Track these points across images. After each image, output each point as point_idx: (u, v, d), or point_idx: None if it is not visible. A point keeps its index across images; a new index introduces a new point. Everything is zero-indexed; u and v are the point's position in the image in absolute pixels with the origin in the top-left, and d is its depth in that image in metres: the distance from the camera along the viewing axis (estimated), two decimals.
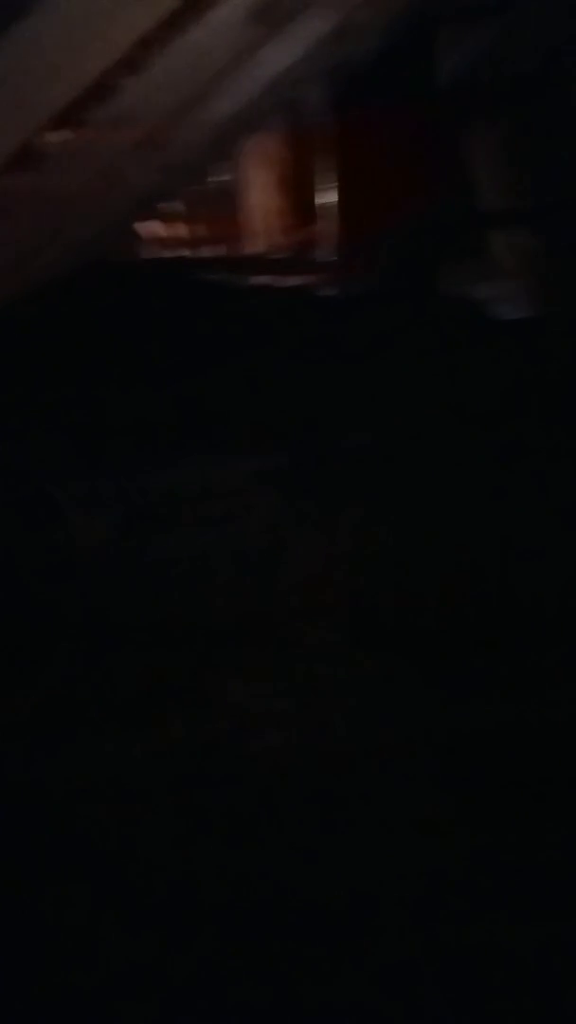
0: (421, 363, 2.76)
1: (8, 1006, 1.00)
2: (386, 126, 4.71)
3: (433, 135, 4.90)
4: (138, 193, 2.92)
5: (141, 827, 1.19)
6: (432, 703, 1.42)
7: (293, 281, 5.92)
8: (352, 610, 1.62)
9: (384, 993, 1.02)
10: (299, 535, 1.80)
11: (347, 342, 2.91)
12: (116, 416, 2.22)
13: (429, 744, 1.32)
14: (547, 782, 1.30)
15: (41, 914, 1.10)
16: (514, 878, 1.14)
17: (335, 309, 4.32)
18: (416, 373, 2.68)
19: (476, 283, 5.00)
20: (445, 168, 5.09)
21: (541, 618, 1.68)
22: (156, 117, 2.33)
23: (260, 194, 7.83)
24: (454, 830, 1.18)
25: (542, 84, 4.41)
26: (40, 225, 2.51)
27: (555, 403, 2.63)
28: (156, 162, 2.77)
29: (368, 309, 3.69)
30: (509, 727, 1.37)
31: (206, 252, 6.99)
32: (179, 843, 1.15)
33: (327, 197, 5.53)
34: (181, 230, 6.61)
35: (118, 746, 1.33)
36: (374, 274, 4.64)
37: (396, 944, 1.07)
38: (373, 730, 1.33)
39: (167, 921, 1.08)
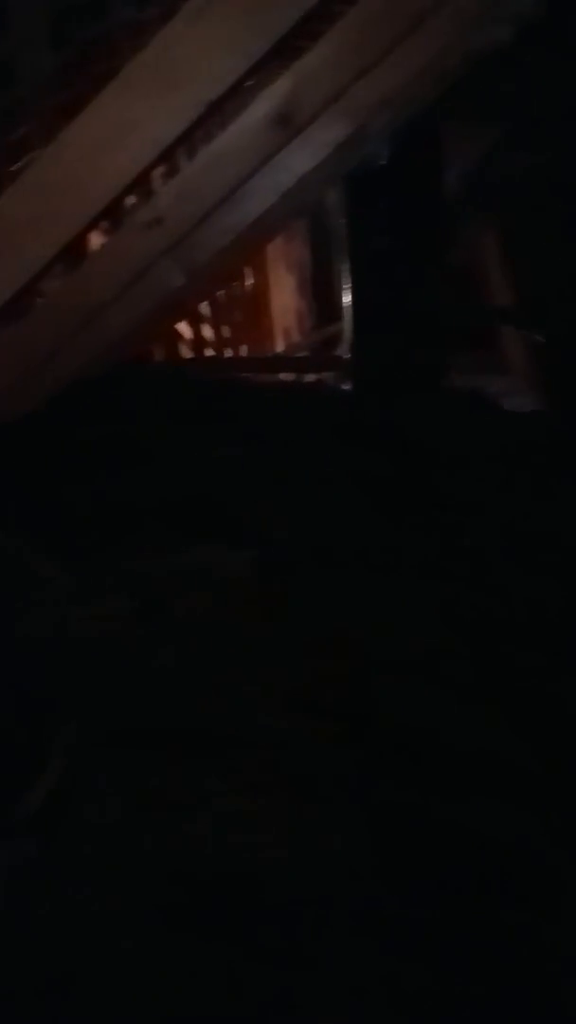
0: (431, 455, 2.78)
1: None
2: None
3: (442, 234, 5.06)
4: (166, 295, 3.04)
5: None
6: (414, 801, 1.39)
7: (313, 378, 6.07)
8: (342, 703, 1.57)
9: None
10: (293, 626, 1.77)
11: (360, 434, 2.95)
12: (121, 507, 2.25)
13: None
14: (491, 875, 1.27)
15: None
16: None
17: (350, 403, 4.41)
18: (426, 465, 2.69)
19: (486, 376, 5.11)
20: (454, 265, 5.25)
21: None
22: (186, 220, 2.44)
23: (283, 295, 8.10)
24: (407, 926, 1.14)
25: (545, 183, 4.56)
26: (72, 326, 2.61)
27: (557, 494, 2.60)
28: (184, 265, 2.89)
29: (381, 403, 3.76)
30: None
31: (230, 352, 7.21)
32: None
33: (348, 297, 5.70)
34: (206, 331, 6.81)
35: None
36: (388, 369, 4.72)
37: None
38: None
39: None
